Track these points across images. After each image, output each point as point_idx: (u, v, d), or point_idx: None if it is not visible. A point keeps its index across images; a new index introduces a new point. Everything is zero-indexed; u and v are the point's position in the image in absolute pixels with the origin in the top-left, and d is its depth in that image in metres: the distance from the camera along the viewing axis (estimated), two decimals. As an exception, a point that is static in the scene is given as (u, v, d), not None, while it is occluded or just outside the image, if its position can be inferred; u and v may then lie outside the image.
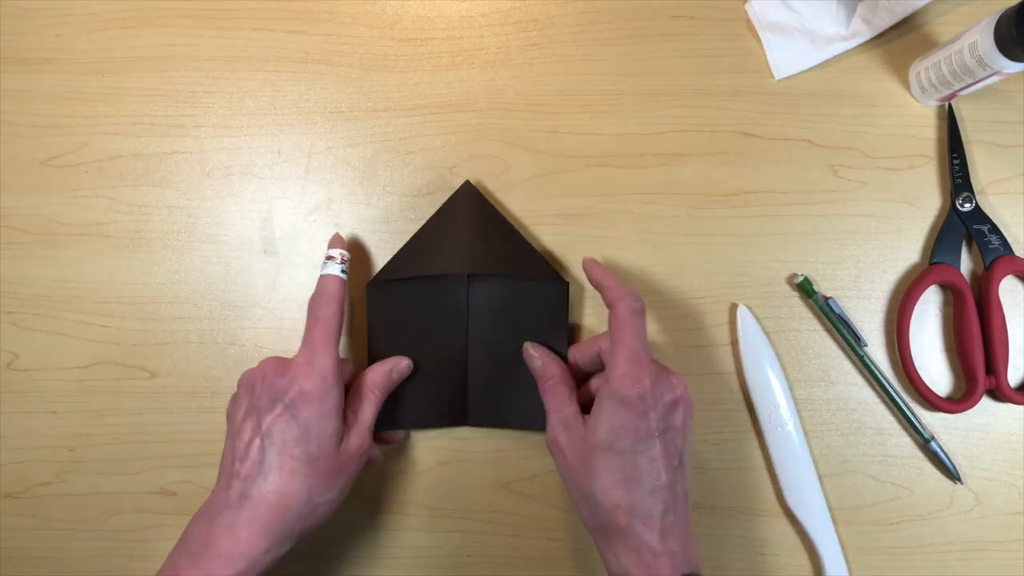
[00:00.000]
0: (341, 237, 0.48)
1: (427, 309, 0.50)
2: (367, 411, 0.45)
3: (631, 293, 0.42)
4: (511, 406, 0.49)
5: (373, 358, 0.49)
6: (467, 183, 0.51)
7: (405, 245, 0.50)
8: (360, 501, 0.51)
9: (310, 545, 0.51)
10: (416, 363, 0.49)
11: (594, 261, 0.47)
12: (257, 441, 0.41)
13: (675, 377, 0.42)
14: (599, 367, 0.46)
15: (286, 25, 0.54)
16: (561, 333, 0.49)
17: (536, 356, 0.47)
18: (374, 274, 0.51)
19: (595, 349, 0.46)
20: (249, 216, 0.53)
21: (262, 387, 0.42)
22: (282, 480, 0.40)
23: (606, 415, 0.40)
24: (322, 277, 0.45)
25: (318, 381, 0.41)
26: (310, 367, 0.41)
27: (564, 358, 0.48)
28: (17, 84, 0.53)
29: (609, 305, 0.43)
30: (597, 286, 0.45)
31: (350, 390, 0.46)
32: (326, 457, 0.41)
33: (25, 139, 0.53)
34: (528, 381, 0.48)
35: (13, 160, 0.53)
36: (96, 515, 0.51)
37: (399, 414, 0.49)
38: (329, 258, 0.46)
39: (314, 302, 0.44)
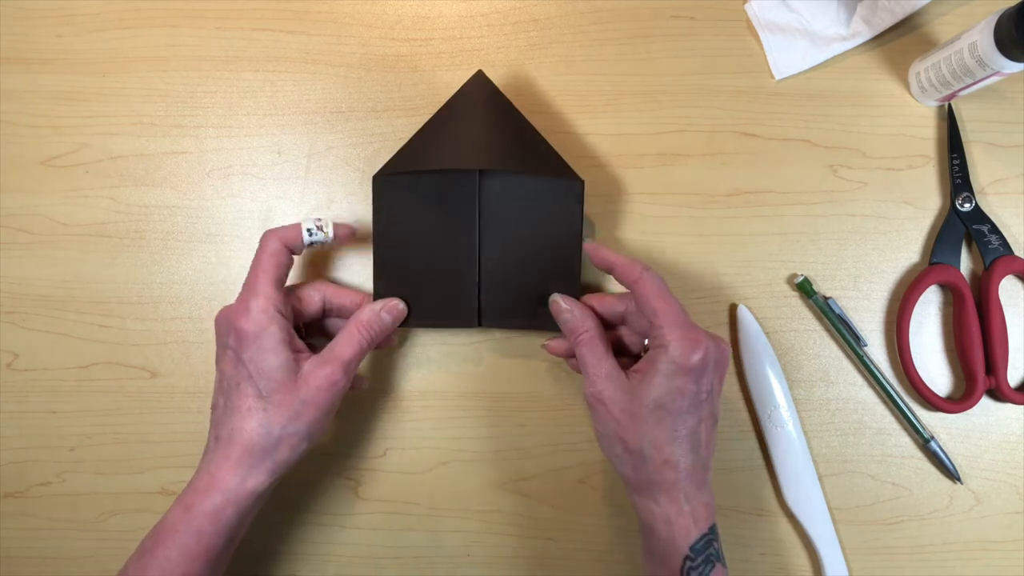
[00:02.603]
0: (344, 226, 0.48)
1: (435, 204, 0.48)
2: (347, 347, 0.44)
3: (647, 265, 0.44)
4: (522, 307, 0.49)
5: (379, 257, 0.48)
6: (479, 73, 0.49)
7: (413, 137, 0.48)
8: (360, 501, 0.51)
9: (310, 545, 0.51)
10: (424, 260, 0.48)
11: (596, 244, 0.47)
12: (219, 387, 0.44)
13: (722, 341, 0.43)
14: (614, 322, 0.48)
15: (286, 25, 0.54)
16: (575, 234, 0.48)
17: (566, 308, 0.46)
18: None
19: (620, 309, 0.46)
20: (249, 216, 0.53)
21: (215, 336, 0.45)
22: (240, 419, 0.42)
23: (664, 377, 0.41)
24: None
25: (252, 321, 0.42)
26: (244, 308, 0.42)
27: (579, 262, 0.48)
28: (17, 84, 0.53)
29: (630, 281, 0.44)
30: (608, 267, 0.45)
31: (343, 324, 0.46)
32: (281, 391, 0.42)
33: (25, 139, 0.53)
34: (541, 283, 0.48)
35: (13, 160, 0.53)
36: (96, 515, 0.51)
37: (407, 314, 0.48)
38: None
39: (256, 252, 0.45)
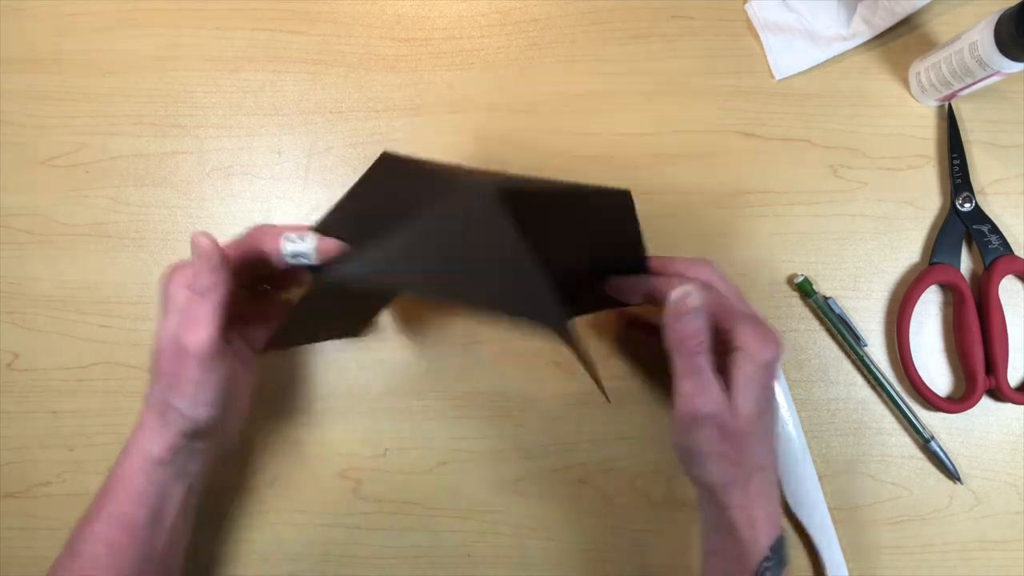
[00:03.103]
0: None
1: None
2: (202, 309, 0.40)
3: (700, 259, 0.43)
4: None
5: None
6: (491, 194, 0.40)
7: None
8: (360, 500, 0.51)
9: (310, 545, 0.51)
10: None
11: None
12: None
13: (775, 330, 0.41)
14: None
15: (286, 25, 0.54)
16: (636, 243, 0.44)
17: (693, 310, 0.40)
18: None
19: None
20: (249, 216, 0.53)
21: (161, 295, 0.42)
22: (157, 385, 0.41)
23: (753, 382, 0.39)
24: None
25: (198, 300, 0.39)
26: (182, 274, 0.40)
27: (644, 267, 0.44)
28: (17, 84, 0.53)
29: (689, 278, 0.41)
30: (661, 271, 0.43)
31: None
32: (165, 356, 0.40)
33: (25, 139, 0.53)
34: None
35: (13, 160, 0.53)
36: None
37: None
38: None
39: (242, 240, 0.43)
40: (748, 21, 0.53)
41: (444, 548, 0.51)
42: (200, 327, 0.39)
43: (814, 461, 0.50)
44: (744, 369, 0.39)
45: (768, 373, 0.40)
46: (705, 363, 0.39)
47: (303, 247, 0.41)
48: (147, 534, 0.41)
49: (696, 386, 0.39)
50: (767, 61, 0.53)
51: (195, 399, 0.40)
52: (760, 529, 0.40)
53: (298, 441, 0.51)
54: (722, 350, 0.40)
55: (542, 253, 0.39)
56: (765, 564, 0.40)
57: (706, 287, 0.41)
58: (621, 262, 0.45)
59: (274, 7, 0.54)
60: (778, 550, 0.40)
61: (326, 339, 0.51)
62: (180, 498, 0.42)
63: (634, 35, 0.53)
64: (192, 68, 0.53)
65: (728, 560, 0.41)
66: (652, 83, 0.53)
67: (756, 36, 0.53)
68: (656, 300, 0.42)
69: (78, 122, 0.53)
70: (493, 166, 0.52)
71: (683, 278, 0.42)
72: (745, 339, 0.39)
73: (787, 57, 0.52)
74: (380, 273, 0.39)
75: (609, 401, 0.46)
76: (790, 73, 0.52)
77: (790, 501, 0.50)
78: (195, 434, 0.41)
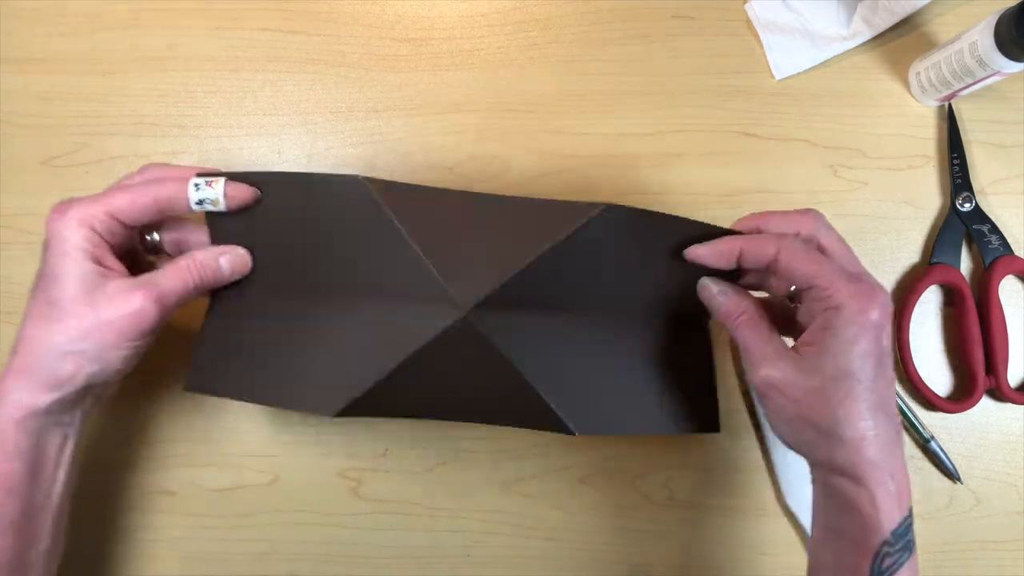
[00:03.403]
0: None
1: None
2: (170, 278, 0.40)
3: (779, 234, 0.39)
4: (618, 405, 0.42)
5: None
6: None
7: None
8: (360, 501, 0.51)
9: (310, 545, 0.51)
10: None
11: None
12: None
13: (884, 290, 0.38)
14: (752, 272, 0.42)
15: (286, 25, 0.54)
16: (682, 226, 0.40)
17: (718, 291, 0.41)
18: None
19: (771, 252, 0.39)
20: (249, 216, 0.53)
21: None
22: (28, 326, 0.38)
23: (845, 343, 0.36)
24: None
25: (62, 221, 0.38)
26: (61, 210, 0.39)
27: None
28: (17, 84, 0.53)
29: (766, 263, 0.39)
30: (759, 228, 0.40)
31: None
32: (75, 302, 0.38)
33: (25, 139, 0.53)
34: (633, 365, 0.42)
35: (13, 160, 0.53)
36: (97, 515, 0.51)
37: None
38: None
39: (130, 176, 0.41)
40: (748, 21, 0.53)
41: (444, 548, 0.51)
42: (170, 285, 0.39)
43: (814, 461, 0.50)
44: (835, 329, 0.36)
45: (872, 334, 0.36)
46: (747, 334, 0.39)
47: (211, 193, 0.39)
48: (26, 489, 0.39)
49: (749, 359, 0.39)
50: (767, 61, 0.53)
51: (118, 352, 0.38)
52: (884, 510, 0.36)
53: (298, 441, 0.51)
54: (815, 308, 0.38)
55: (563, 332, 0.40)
56: (885, 549, 0.36)
57: (806, 241, 0.39)
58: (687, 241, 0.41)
59: (274, 7, 0.54)
60: (903, 534, 0.36)
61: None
62: (58, 448, 0.40)
63: (634, 35, 0.53)
64: (192, 68, 0.53)
65: (842, 540, 0.38)
66: (652, 83, 0.53)
67: (756, 36, 0.53)
68: (749, 265, 0.40)
69: (78, 122, 0.53)
70: (493, 166, 0.52)
71: (777, 235, 0.39)
72: (842, 298, 0.36)
73: (787, 57, 0.52)
74: (370, 415, 0.40)
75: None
76: (790, 73, 0.52)
77: (790, 501, 0.50)
78: (90, 387, 0.39)
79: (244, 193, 0.40)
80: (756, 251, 0.39)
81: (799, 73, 0.53)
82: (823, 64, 0.53)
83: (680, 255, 0.41)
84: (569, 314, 0.41)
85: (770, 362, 0.38)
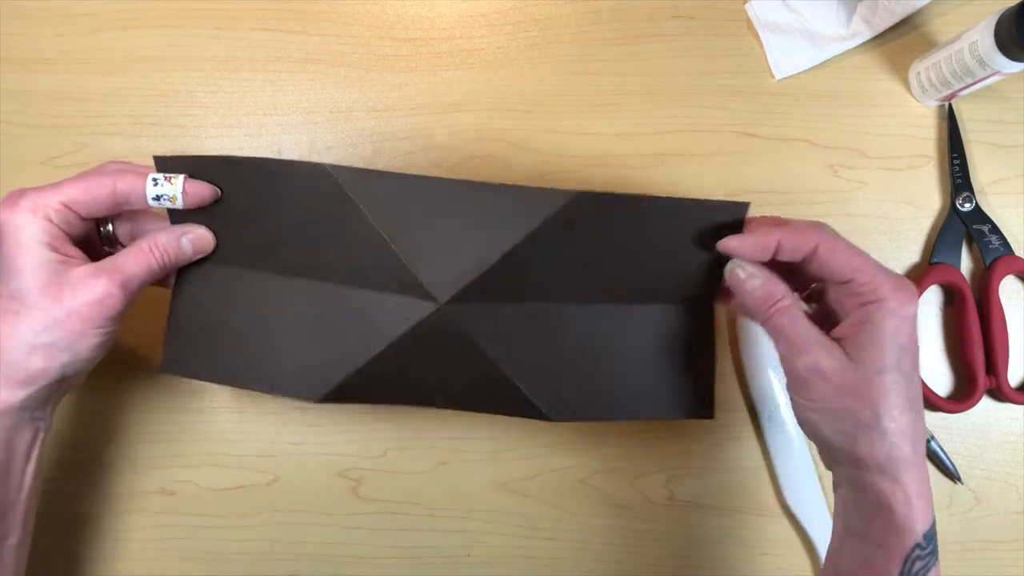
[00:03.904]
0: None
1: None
2: (132, 261, 0.39)
3: (814, 222, 0.39)
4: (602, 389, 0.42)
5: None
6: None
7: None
8: (360, 500, 0.51)
9: (310, 545, 0.51)
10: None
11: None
12: None
13: None
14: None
15: (286, 25, 0.54)
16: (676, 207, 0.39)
17: (750, 274, 0.38)
18: None
19: (811, 245, 0.38)
20: (249, 216, 0.53)
21: None
22: (4, 321, 0.37)
23: (889, 336, 0.36)
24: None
25: (15, 211, 0.37)
26: (13, 199, 0.38)
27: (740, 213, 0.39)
28: (17, 84, 0.53)
29: (805, 253, 0.38)
30: (763, 253, 0.39)
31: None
32: (37, 293, 0.37)
33: (25, 139, 0.53)
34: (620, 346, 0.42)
35: (13, 160, 0.53)
36: (96, 514, 0.51)
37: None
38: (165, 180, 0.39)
39: (89, 172, 0.40)
40: (748, 21, 0.53)
41: (444, 548, 0.51)
42: (133, 268, 0.38)
43: (814, 461, 0.50)
44: (879, 322, 0.36)
45: (911, 328, 0.37)
46: (786, 321, 0.38)
47: (169, 190, 0.39)
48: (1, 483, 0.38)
49: (789, 347, 0.37)
50: (767, 61, 0.53)
51: (86, 340, 0.38)
52: (920, 510, 0.35)
53: (298, 441, 0.51)
54: (852, 303, 0.38)
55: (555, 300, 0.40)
56: (916, 552, 0.35)
57: (829, 238, 0.38)
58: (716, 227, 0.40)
59: (274, 7, 0.54)
60: (933, 537, 0.36)
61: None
62: (28, 443, 0.40)
63: (634, 35, 0.53)
64: (192, 68, 0.53)
65: (870, 544, 0.36)
66: (652, 83, 0.53)
67: (756, 36, 0.53)
68: (784, 258, 0.39)
69: (78, 122, 0.53)
70: (493, 166, 0.52)
71: (815, 227, 0.39)
72: (885, 292, 0.36)
73: (787, 57, 0.52)
74: (351, 401, 0.41)
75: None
76: (790, 73, 0.52)
77: (790, 501, 0.50)
78: (63, 379, 0.39)
79: (203, 191, 0.39)
80: (795, 243, 0.38)
81: (799, 73, 0.53)
82: (823, 64, 0.53)
83: (666, 237, 0.39)
84: (548, 301, 0.41)
85: (816, 349, 0.37)
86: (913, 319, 0.36)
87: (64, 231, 0.38)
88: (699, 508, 0.51)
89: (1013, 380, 0.51)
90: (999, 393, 0.50)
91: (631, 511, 0.51)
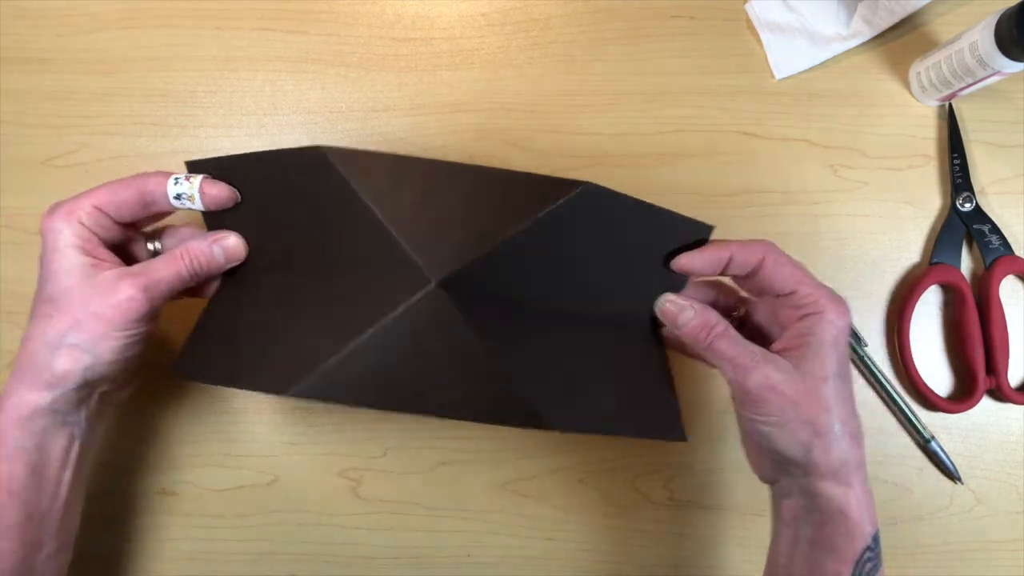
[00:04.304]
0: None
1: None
2: (160, 267, 0.39)
3: (760, 240, 0.40)
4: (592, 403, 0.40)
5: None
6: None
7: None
8: (360, 500, 0.51)
9: (310, 545, 0.51)
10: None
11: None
12: None
13: None
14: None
15: (286, 25, 0.54)
16: (658, 216, 0.40)
17: (681, 308, 0.40)
18: None
19: (756, 258, 0.40)
20: (249, 216, 0.53)
21: None
22: (29, 326, 0.39)
23: (830, 345, 0.38)
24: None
25: (51, 219, 0.38)
26: (50, 210, 0.39)
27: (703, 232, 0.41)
28: (17, 84, 0.53)
29: (753, 266, 0.40)
30: (716, 267, 0.40)
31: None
32: (68, 295, 0.38)
33: (25, 139, 0.53)
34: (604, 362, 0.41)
35: (13, 160, 0.53)
36: (96, 515, 0.51)
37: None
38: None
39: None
40: (748, 21, 0.53)
41: (444, 548, 0.51)
42: (160, 273, 0.39)
43: (814, 461, 0.50)
44: (821, 334, 0.38)
45: (847, 336, 0.39)
46: (728, 345, 0.38)
47: (188, 188, 0.39)
48: (28, 492, 0.38)
49: (736, 368, 0.38)
50: (767, 61, 0.53)
51: (108, 342, 0.38)
52: (869, 512, 0.37)
53: (298, 441, 0.51)
54: (792, 316, 0.39)
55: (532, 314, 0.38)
56: (868, 554, 0.37)
57: (775, 252, 0.40)
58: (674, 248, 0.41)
59: (274, 7, 0.54)
60: (879, 538, 0.37)
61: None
62: (63, 448, 0.39)
63: (634, 35, 0.53)
64: (192, 68, 0.53)
65: (822, 549, 0.37)
66: (652, 83, 0.53)
67: (756, 36, 0.53)
68: (733, 272, 0.40)
69: (78, 122, 0.53)
70: (493, 165, 0.52)
71: (762, 241, 0.40)
72: (825, 304, 0.38)
73: (787, 57, 0.52)
74: (332, 398, 0.38)
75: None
76: (790, 73, 0.52)
77: (790, 501, 0.50)
78: (87, 382, 0.38)
79: (221, 192, 0.40)
80: (745, 256, 0.39)
81: (799, 73, 0.53)
82: (823, 64, 0.53)
83: (650, 251, 0.40)
84: (539, 300, 0.40)
85: (764, 365, 0.38)
86: (848, 328, 0.39)
87: (97, 235, 0.39)
88: (699, 508, 0.51)
89: (1013, 380, 0.51)
90: (999, 393, 0.50)
91: (631, 511, 0.51)
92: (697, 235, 0.41)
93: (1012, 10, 0.43)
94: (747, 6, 0.53)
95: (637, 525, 0.51)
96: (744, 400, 0.38)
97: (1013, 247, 0.50)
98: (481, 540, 0.51)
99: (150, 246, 0.43)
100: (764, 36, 0.52)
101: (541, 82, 0.53)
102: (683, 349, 0.43)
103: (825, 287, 0.39)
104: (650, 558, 0.50)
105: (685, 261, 0.40)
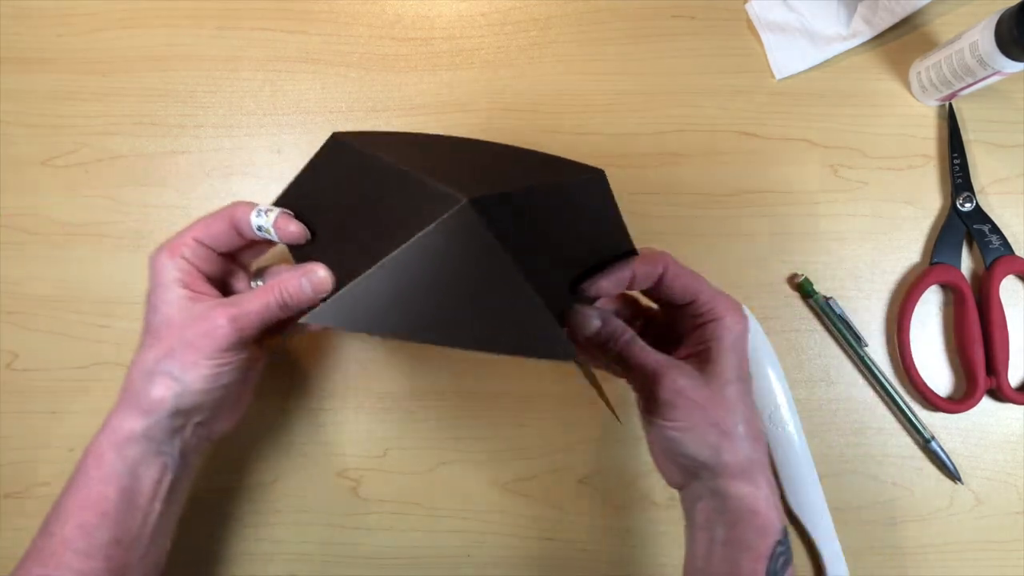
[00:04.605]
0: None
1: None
2: (250, 299, 0.40)
3: (655, 249, 0.41)
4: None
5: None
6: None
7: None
8: (360, 501, 0.51)
9: (310, 545, 0.51)
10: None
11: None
12: None
13: None
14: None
15: (286, 25, 0.54)
16: (620, 229, 0.41)
17: (593, 317, 0.40)
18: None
19: (658, 271, 0.40)
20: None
21: None
22: (134, 356, 0.40)
23: (731, 349, 0.39)
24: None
25: (158, 256, 0.40)
26: (160, 247, 0.41)
27: (633, 251, 0.42)
28: (17, 84, 0.53)
29: (655, 276, 0.40)
30: (625, 285, 0.41)
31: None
32: (166, 326, 0.39)
33: (25, 139, 0.53)
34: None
35: (13, 160, 0.53)
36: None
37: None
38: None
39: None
40: (749, 21, 0.53)
41: (444, 548, 0.51)
42: (250, 305, 0.39)
43: (814, 461, 0.50)
44: (722, 339, 0.39)
45: (745, 342, 0.40)
46: (635, 353, 0.40)
47: (266, 221, 0.41)
48: (118, 515, 0.39)
49: (645, 375, 0.39)
50: (767, 61, 0.53)
51: (197, 370, 0.39)
52: (776, 508, 0.39)
53: (298, 441, 0.51)
54: (692, 323, 0.41)
55: (531, 269, 0.36)
56: (779, 548, 0.38)
57: (673, 263, 0.41)
58: (605, 259, 0.41)
59: (274, 7, 0.54)
60: (787, 532, 0.39)
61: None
62: (155, 478, 0.40)
63: (634, 35, 0.53)
64: (192, 68, 0.53)
65: (737, 548, 0.38)
66: (652, 83, 0.53)
67: (756, 36, 0.53)
68: (636, 287, 0.41)
69: (78, 122, 0.53)
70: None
71: (660, 254, 0.41)
72: (723, 310, 0.40)
73: (787, 57, 0.52)
74: (362, 328, 0.36)
75: (620, 422, 0.46)
76: (790, 73, 0.52)
77: (790, 501, 0.50)
78: (179, 411, 0.39)
79: (291, 229, 0.41)
80: (647, 270, 0.40)
81: (799, 73, 0.53)
82: (823, 64, 0.53)
83: (599, 254, 0.41)
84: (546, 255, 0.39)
85: (672, 371, 0.39)
86: (746, 333, 0.40)
87: (198, 268, 0.41)
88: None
89: (1013, 380, 0.51)
90: (999, 393, 0.50)
91: (631, 511, 0.51)
92: (629, 249, 0.42)
93: (1012, 10, 0.43)
94: (747, 6, 0.53)
95: (637, 525, 0.51)
96: (652, 407, 0.39)
97: (1013, 247, 0.50)
98: (481, 540, 0.51)
99: (253, 284, 0.44)
100: (764, 36, 0.52)
101: (541, 82, 0.53)
102: (593, 359, 0.44)
103: (723, 294, 0.40)
104: (650, 558, 0.50)
105: (597, 286, 0.41)
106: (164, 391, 0.39)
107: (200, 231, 0.41)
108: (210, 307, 0.39)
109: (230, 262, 0.43)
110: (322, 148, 0.40)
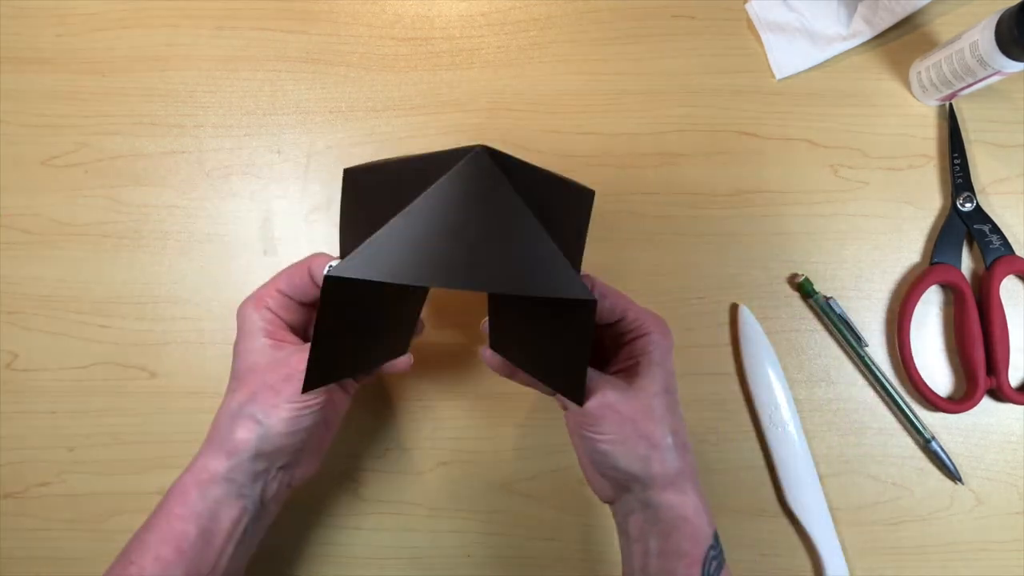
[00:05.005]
0: None
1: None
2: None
3: (587, 275, 0.42)
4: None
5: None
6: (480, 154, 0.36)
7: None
8: (360, 501, 0.51)
9: (310, 545, 0.51)
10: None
11: None
12: None
13: None
14: None
15: (286, 25, 0.54)
16: (580, 247, 0.42)
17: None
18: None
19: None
20: (249, 216, 0.53)
21: None
22: (224, 400, 0.41)
23: (659, 363, 0.41)
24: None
25: (244, 307, 0.42)
26: (247, 299, 0.43)
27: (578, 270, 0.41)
28: (17, 84, 0.53)
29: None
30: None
31: None
32: (251, 371, 0.41)
33: (25, 139, 0.53)
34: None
35: (13, 160, 0.53)
36: (96, 515, 0.51)
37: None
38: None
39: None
40: (749, 21, 0.53)
41: (444, 548, 0.51)
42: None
43: (814, 461, 0.50)
44: (651, 354, 0.41)
45: (671, 353, 0.42)
46: None
47: None
48: (194, 553, 0.40)
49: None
50: (767, 61, 0.53)
51: (278, 413, 0.40)
52: (706, 514, 0.40)
53: (298, 441, 0.51)
54: (620, 340, 0.42)
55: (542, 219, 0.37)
56: (712, 553, 0.39)
57: (600, 284, 0.42)
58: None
59: (273, 6, 0.54)
60: (718, 536, 0.40)
61: (375, 364, 0.44)
62: (234, 519, 0.41)
63: (634, 35, 0.53)
64: (192, 68, 0.53)
65: (672, 558, 0.39)
66: (652, 83, 0.53)
67: (757, 36, 0.53)
68: None
69: (78, 122, 0.53)
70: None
71: (586, 276, 0.42)
72: (651, 326, 0.41)
73: (787, 57, 0.52)
74: (386, 275, 0.35)
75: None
76: (790, 73, 0.52)
77: (790, 501, 0.50)
78: (261, 453, 0.40)
79: None
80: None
81: (799, 73, 0.53)
82: (823, 64, 0.53)
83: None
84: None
85: (602, 386, 0.40)
86: (671, 347, 0.42)
87: (281, 317, 0.43)
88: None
89: (1014, 380, 0.51)
90: (999, 393, 0.50)
91: (631, 511, 0.51)
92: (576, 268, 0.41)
93: (1012, 10, 0.43)
94: (747, 6, 0.53)
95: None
96: (583, 421, 0.40)
97: (1013, 247, 0.50)
98: (481, 540, 0.51)
99: None
100: (764, 36, 0.52)
101: (541, 82, 0.53)
102: (520, 376, 0.45)
103: (649, 311, 0.42)
104: (650, 558, 0.50)
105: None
106: (247, 433, 0.40)
107: (283, 283, 0.43)
108: (290, 353, 0.41)
109: (312, 310, 0.44)
110: (343, 185, 0.41)
